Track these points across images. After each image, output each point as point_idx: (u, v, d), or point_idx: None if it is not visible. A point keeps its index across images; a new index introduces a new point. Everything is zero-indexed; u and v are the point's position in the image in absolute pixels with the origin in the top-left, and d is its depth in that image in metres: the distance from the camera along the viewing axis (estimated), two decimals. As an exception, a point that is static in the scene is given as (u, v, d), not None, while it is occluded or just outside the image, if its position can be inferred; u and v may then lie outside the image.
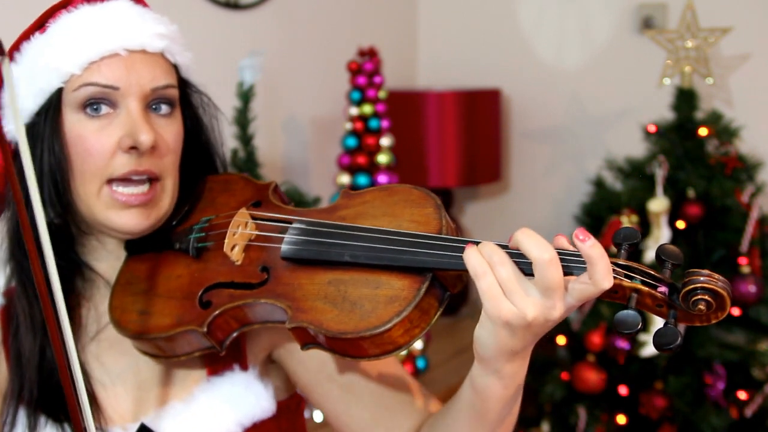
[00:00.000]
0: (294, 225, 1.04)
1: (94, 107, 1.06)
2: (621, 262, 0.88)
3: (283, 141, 2.78)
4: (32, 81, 1.07)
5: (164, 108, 1.10)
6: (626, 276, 0.88)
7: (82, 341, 1.15)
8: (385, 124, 2.50)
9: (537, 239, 0.87)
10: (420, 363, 2.54)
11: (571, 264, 0.87)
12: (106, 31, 1.06)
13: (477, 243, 0.90)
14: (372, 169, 2.49)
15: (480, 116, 2.99)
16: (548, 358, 2.62)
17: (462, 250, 0.90)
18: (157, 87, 1.08)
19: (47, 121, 1.06)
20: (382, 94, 2.50)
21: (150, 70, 1.08)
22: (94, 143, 1.05)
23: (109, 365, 1.15)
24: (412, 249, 0.93)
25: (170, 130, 1.10)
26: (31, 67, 1.07)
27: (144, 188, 1.08)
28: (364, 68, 2.49)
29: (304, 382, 1.18)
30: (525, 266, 0.88)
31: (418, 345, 2.49)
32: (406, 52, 3.37)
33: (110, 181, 1.07)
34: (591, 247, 0.84)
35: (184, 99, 1.16)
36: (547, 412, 2.62)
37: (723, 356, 2.37)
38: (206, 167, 1.22)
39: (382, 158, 2.48)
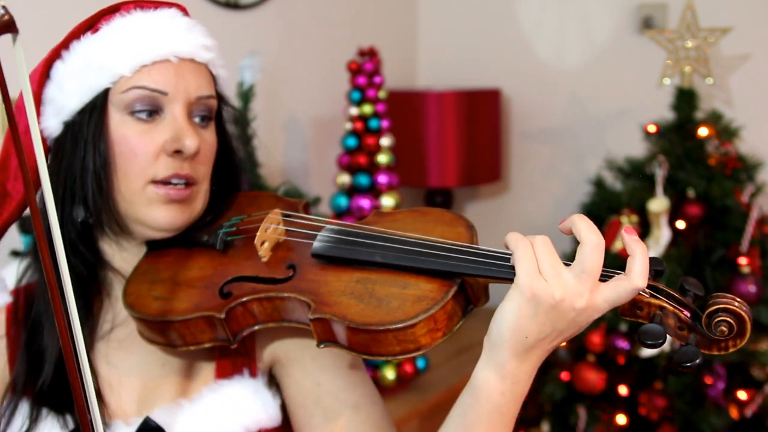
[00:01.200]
0: (325, 228, 1.05)
1: (141, 110, 1.08)
2: (649, 282, 0.90)
3: (283, 141, 2.78)
4: (80, 79, 1.08)
5: (204, 117, 1.13)
6: (652, 295, 0.91)
7: (91, 340, 1.16)
8: (385, 124, 2.50)
9: (591, 224, 0.91)
10: (420, 363, 2.54)
11: (608, 275, 0.91)
12: (158, 37, 1.09)
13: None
14: (372, 169, 2.49)
15: (480, 116, 2.99)
16: (548, 358, 2.60)
17: (496, 259, 0.94)
18: (201, 96, 1.11)
19: (92, 120, 1.08)
20: (382, 94, 2.50)
21: (197, 78, 1.10)
22: (139, 144, 1.08)
23: (117, 364, 1.16)
24: (445, 253, 0.96)
25: (208, 139, 1.13)
26: (79, 65, 1.09)
27: (182, 186, 1.10)
28: (364, 68, 2.49)
29: (291, 401, 1.17)
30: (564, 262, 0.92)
31: (418, 345, 2.49)
32: (406, 52, 3.37)
33: (152, 182, 1.09)
34: (636, 242, 0.90)
35: (218, 112, 1.19)
36: (547, 412, 2.62)
37: (723, 356, 2.37)
38: (233, 181, 1.24)
39: (382, 158, 2.48)
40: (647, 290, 0.90)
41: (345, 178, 2.49)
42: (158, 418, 1.10)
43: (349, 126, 2.50)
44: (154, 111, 1.09)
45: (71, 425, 1.09)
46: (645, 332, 0.89)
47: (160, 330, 1.09)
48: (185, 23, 1.13)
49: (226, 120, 1.22)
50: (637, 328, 0.91)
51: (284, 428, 1.16)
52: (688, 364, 0.87)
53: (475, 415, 0.97)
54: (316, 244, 1.03)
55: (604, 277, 0.91)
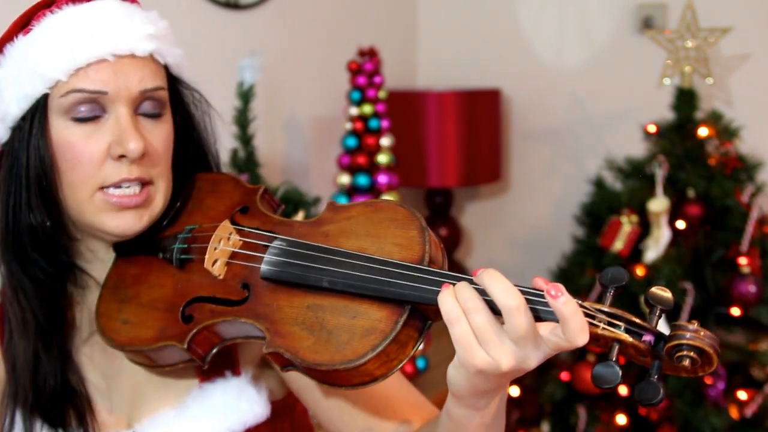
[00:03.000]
0: (274, 243, 1.02)
1: (82, 113, 1.03)
2: (605, 308, 0.85)
3: (283, 141, 2.78)
4: (17, 86, 1.03)
5: (153, 111, 1.07)
6: (610, 323, 0.84)
7: (75, 344, 1.14)
8: (385, 124, 2.50)
9: (503, 284, 0.83)
10: (420, 363, 2.54)
11: (540, 309, 0.84)
12: (92, 36, 1.02)
13: (454, 283, 0.87)
14: (372, 169, 2.49)
15: (480, 116, 2.99)
16: (548, 359, 2.62)
17: (440, 285, 0.88)
18: (145, 89, 1.05)
19: (33, 127, 1.03)
20: (382, 94, 2.50)
21: (138, 73, 1.04)
22: (83, 150, 1.03)
23: (103, 367, 1.15)
24: (390, 280, 0.90)
25: (159, 133, 1.08)
26: (15, 70, 1.04)
27: (136, 189, 1.06)
28: (364, 68, 2.49)
29: (297, 388, 1.17)
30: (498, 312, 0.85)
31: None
32: (406, 52, 3.37)
33: (101, 188, 1.05)
34: (563, 304, 0.81)
35: (175, 97, 1.14)
36: (547, 412, 2.62)
37: (723, 356, 2.37)
38: (199, 164, 1.20)
39: (382, 158, 2.48)
40: (604, 318, 0.84)
41: (345, 178, 2.49)
42: (145, 430, 1.10)
43: (349, 126, 2.50)
44: (97, 113, 1.03)
45: None
46: (597, 377, 0.82)
47: (134, 354, 1.09)
48: (123, 14, 1.06)
49: (187, 102, 1.16)
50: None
51: (273, 419, 1.16)
52: (651, 402, 0.81)
53: None
54: (263, 267, 1.00)
55: (537, 306, 0.84)
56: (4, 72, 1.06)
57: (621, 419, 2.46)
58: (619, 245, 2.48)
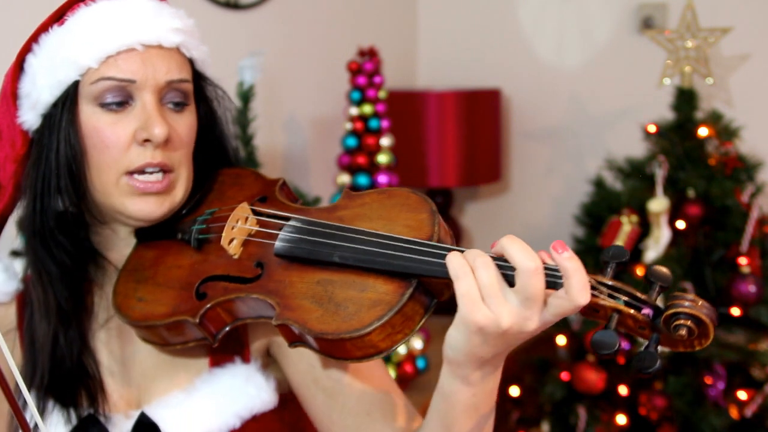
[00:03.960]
0: (290, 222, 1.06)
1: (111, 100, 1.08)
2: (606, 281, 0.87)
3: (283, 141, 2.78)
4: (50, 73, 1.09)
5: (178, 102, 1.13)
6: (610, 296, 0.87)
7: (92, 328, 1.18)
8: (385, 124, 2.50)
9: (523, 246, 0.86)
10: (420, 363, 2.54)
11: (555, 279, 0.86)
12: (123, 26, 1.08)
13: (463, 250, 0.90)
14: (372, 169, 2.49)
15: (480, 116, 2.99)
16: (548, 358, 2.62)
17: (445, 257, 0.90)
18: (171, 80, 1.11)
19: (64, 113, 1.09)
20: (382, 94, 2.50)
21: (165, 63, 1.10)
22: (110, 135, 1.08)
23: (117, 352, 1.18)
24: (396, 253, 0.94)
25: (184, 124, 1.13)
26: (49, 59, 1.09)
27: (159, 176, 1.10)
28: (364, 68, 2.49)
29: (293, 383, 1.19)
30: (507, 276, 0.87)
31: (417, 345, 2.49)
32: (406, 52, 3.37)
33: (127, 173, 1.10)
34: (567, 260, 0.84)
35: (198, 92, 1.19)
36: (547, 412, 2.62)
37: (723, 356, 2.37)
38: (219, 159, 1.25)
39: (382, 158, 2.48)
40: (605, 289, 0.87)
41: (345, 178, 2.49)
42: (154, 411, 1.12)
43: (349, 126, 2.50)
44: (124, 100, 1.09)
45: (74, 420, 1.11)
46: (596, 342, 0.84)
47: (147, 331, 1.12)
48: (152, 7, 1.12)
49: (211, 98, 1.22)
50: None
51: (281, 410, 1.18)
52: (648, 371, 0.83)
53: (452, 417, 0.98)
54: (277, 244, 1.04)
55: (550, 275, 0.86)
56: (39, 61, 1.11)
57: (621, 419, 2.46)
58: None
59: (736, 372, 2.41)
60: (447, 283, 0.95)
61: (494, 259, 0.88)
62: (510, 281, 0.87)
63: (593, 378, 2.45)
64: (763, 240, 2.50)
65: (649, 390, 2.43)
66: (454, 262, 0.88)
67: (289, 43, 2.74)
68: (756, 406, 2.37)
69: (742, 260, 2.43)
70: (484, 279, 0.86)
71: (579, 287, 0.84)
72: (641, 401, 2.44)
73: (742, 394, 2.38)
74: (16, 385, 1.13)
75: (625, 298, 0.86)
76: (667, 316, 0.84)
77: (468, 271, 0.87)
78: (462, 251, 0.90)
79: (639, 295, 0.87)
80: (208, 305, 1.06)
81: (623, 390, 2.47)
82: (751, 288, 2.40)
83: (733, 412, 2.38)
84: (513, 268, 0.86)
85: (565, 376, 2.54)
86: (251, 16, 2.60)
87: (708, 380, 2.37)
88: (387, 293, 0.94)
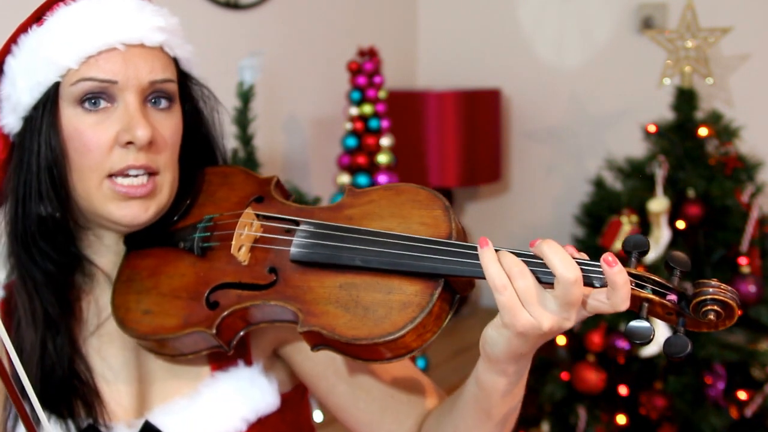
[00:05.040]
0: (302, 227, 1.03)
1: (92, 101, 1.05)
2: (632, 271, 0.89)
3: (283, 141, 2.78)
4: (30, 74, 1.06)
5: (162, 102, 1.09)
6: (637, 285, 0.89)
7: (83, 335, 1.15)
8: (385, 124, 2.50)
9: (563, 255, 0.87)
10: (420, 363, 2.54)
11: (591, 275, 0.88)
12: (103, 25, 1.05)
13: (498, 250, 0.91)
14: (372, 169, 2.49)
15: (480, 116, 2.99)
16: (548, 358, 2.62)
17: (476, 257, 0.91)
18: (155, 80, 1.07)
19: (44, 115, 1.06)
20: (382, 94, 2.50)
21: (148, 63, 1.07)
22: (92, 137, 1.05)
23: (111, 359, 1.15)
24: (424, 255, 0.93)
25: (168, 125, 1.10)
26: (28, 60, 1.07)
27: (143, 179, 1.07)
28: (364, 68, 2.49)
29: (312, 376, 1.18)
30: (542, 274, 0.89)
31: (418, 345, 2.49)
32: (406, 52, 3.37)
33: (110, 176, 1.06)
34: (617, 273, 0.85)
35: (183, 92, 1.15)
36: (547, 412, 2.62)
37: (723, 356, 2.37)
38: (206, 160, 1.22)
39: (382, 158, 2.48)
40: (632, 279, 0.88)
41: (345, 178, 2.49)
42: (157, 418, 1.10)
43: (349, 126, 2.50)
44: (106, 101, 1.05)
45: (73, 430, 1.09)
46: (632, 332, 0.87)
47: (157, 345, 1.10)
48: (134, 5, 1.09)
49: (196, 98, 1.18)
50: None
51: (283, 410, 1.17)
52: (680, 355, 0.86)
53: (490, 403, 0.99)
54: (293, 249, 1.02)
55: (586, 273, 0.88)
56: (18, 62, 1.08)
57: (621, 419, 2.46)
58: (619, 245, 2.48)
59: (736, 372, 2.41)
60: (471, 280, 0.96)
61: (524, 257, 0.89)
62: (545, 280, 0.89)
63: (593, 378, 2.45)
64: (763, 240, 2.50)
65: (649, 390, 2.43)
66: (492, 271, 0.89)
67: (289, 43, 2.75)
68: (756, 406, 2.37)
69: (742, 260, 2.43)
70: (522, 288, 0.88)
71: (624, 298, 0.86)
72: (641, 401, 2.44)
73: (742, 394, 2.39)
74: (22, 388, 1.13)
75: (652, 287, 0.89)
76: (695, 303, 0.87)
77: (507, 282, 0.88)
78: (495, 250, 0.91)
79: (664, 282, 0.90)
80: (224, 314, 1.03)
81: (623, 390, 2.47)
82: (751, 288, 2.40)
83: (733, 412, 2.39)
84: (545, 265, 0.88)
85: (565, 376, 2.54)
86: (251, 16, 2.60)
87: (708, 380, 2.37)
88: (415, 294, 0.93)
